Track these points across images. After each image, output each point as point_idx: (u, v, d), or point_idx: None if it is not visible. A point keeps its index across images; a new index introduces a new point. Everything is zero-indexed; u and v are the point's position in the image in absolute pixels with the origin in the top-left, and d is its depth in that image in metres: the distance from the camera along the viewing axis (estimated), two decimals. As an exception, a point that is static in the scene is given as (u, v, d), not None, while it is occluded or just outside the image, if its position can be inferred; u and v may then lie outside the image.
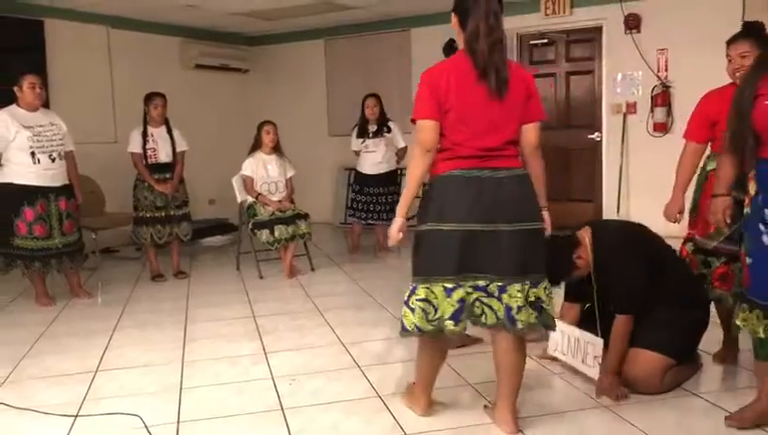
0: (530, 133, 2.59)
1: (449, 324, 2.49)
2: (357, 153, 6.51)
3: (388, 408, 2.93)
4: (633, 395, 2.91)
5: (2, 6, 6.14)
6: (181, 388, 3.26)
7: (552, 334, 3.14)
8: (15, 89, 4.68)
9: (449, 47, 3.87)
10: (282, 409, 2.97)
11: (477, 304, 2.50)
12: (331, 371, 3.43)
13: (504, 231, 2.45)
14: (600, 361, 2.96)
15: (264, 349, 3.82)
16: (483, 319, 2.51)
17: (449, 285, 2.48)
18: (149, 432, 2.75)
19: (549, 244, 2.66)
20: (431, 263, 2.53)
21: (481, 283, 2.48)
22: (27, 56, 6.23)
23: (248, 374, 3.43)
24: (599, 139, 7.06)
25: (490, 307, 2.49)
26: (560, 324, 2.99)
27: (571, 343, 3.15)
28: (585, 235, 3.08)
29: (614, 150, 6.88)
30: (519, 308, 2.46)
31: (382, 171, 6.38)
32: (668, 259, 3.08)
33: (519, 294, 2.46)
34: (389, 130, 6.36)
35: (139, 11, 7.03)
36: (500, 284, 2.47)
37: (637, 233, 3.14)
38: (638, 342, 2.94)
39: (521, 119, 2.56)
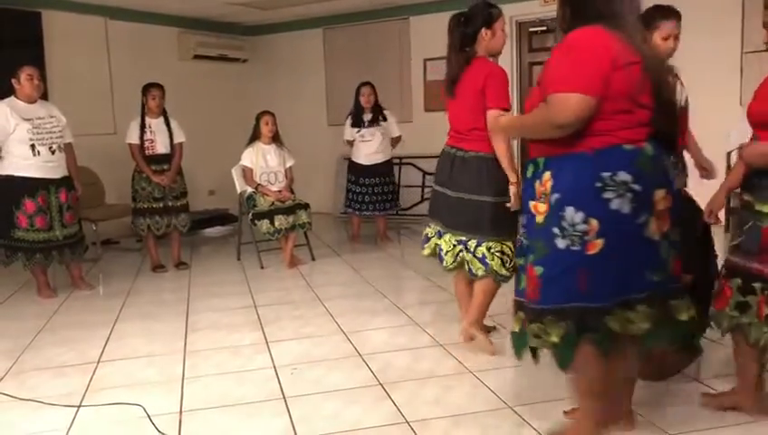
0: (487, 120, 3.17)
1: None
2: (350, 143, 6.47)
3: (389, 396, 2.94)
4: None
5: (-1, -2, 6.12)
6: (183, 378, 3.28)
7: None
8: (13, 81, 4.66)
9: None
10: (283, 398, 2.98)
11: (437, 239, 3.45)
12: (332, 359, 3.44)
13: (447, 195, 3.31)
14: None
15: (265, 338, 3.83)
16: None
17: (431, 224, 3.50)
18: (152, 422, 2.77)
19: None
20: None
21: (437, 227, 3.43)
22: (25, 48, 6.21)
23: (250, 364, 3.44)
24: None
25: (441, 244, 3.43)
26: None
27: None
28: None
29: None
30: (446, 252, 3.35)
31: (378, 161, 6.34)
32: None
33: (449, 242, 3.34)
34: (385, 119, 6.33)
35: (136, 1, 7.01)
36: (441, 230, 3.39)
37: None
38: None
39: (477, 109, 3.18)
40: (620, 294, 2.17)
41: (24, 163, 4.64)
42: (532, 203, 2.30)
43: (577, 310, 2.17)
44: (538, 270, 2.23)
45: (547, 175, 2.23)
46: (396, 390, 3.00)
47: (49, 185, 4.74)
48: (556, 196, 2.18)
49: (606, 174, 2.11)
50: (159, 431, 2.69)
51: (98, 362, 3.54)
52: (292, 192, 5.78)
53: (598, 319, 2.16)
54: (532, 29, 7.27)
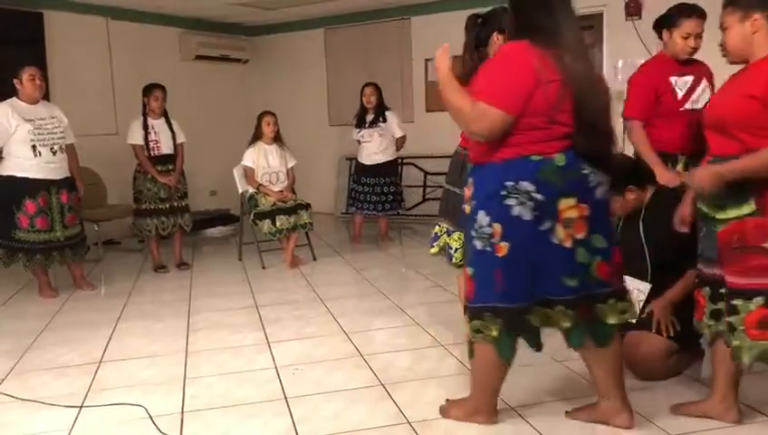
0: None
1: None
2: (359, 142, 6.52)
3: (391, 396, 2.94)
4: (634, 381, 2.91)
5: (0, -1, 6.13)
6: (185, 378, 3.28)
7: None
8: (15, 81, 4.67)
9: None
10: (285, 398, 2.98)
11: None
12: (333, 360, 3.44)
13: (458, 194, 3.08)
14: (642, 304, 3.00)
15: (266, 339, 3.83)
16: None
17: (441, 223, 3.39)
18: (154, 422, 2.77)
19: (626, 158, 3.27)
20: None
21: (446, 225, 3.32)
22: (27, 48, 6.22)
23: (251, 364, 3.44)
24: (600, 126, 7.03)
25: None
26: None
27: None
28: (649, 187, 3.13)
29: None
30: (456, 249, 3.20)
31: (379, 162, 6.36)
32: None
33: (459, 239, 3.16)
34: (384, 120, 6.34)
35: (138, 2, 7.01)
36: (450, 228, 3.27)
37: None
38: (646, 324, 2.95)
39: None
40: (536, 295, 2.33)
41: (26, 164, 4.65)
42: (464, 207, 2.51)
43: (503, 310, 2.35)
44: (470, 271, 2.44)
45: (470, 181, 2.45)
46: (397, 390, 3.00)
47: (50, 186, 4.75)
48: (474, 202, 2.40)
49: (509, 183, 2.28)
50: (161, 432, 2.69)
51: (99, 363, 3.55)
52: (293, 192, 5.79)
53: (521, 319, 2.35)
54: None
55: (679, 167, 3.36)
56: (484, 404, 2.60)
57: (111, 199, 6.70)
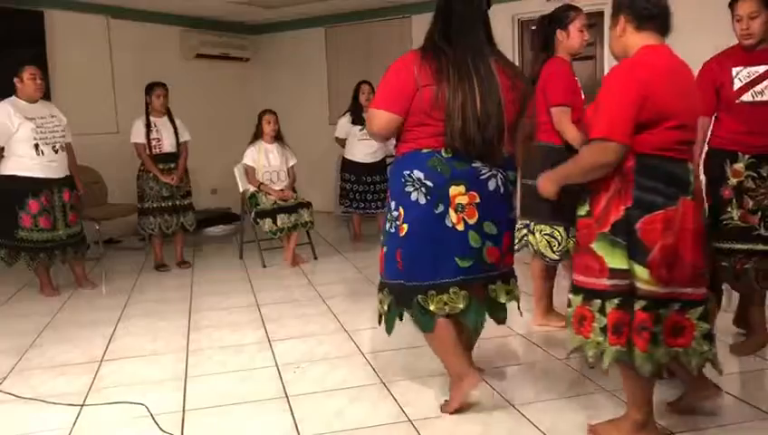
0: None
1: None
2: (340, 141, 6.50)
3: (392, 394, 2.94)
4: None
5: (1, -3, 6.13)
6: (186, 376, 3.28)
7: None
8: (16, 80, 4.67)
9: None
10: (286, 396, 2.99)
11: None
12: (334, 358, 3.45)
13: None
14: None
15: (268, 337, 3.84)
16: None
17: None
18: (155, 421, 2.77)
19: None
20: None
21: None
22: (27, 47, 6.21)
23: (253, 362, 3.45)
24: (601, 124, 7.02)
25: None
26: None
27: None
28: None
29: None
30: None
31: (378, 159, 6.37)
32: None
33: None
34: None
35: (138, 1, 7.01)
36: None
37: None
38: None
39: (541, 105, 3.52)
40: (433, 277, 2.60)
41: (29, 163, 4.65)
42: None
43: (397, 286, 2.68)
44: (384, 249, 2.75)
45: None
46: (398, 388, 3.00)
47: (52, 185, 4.75)
48: (389, 190, 2.75)
49: (406, 172, 2.62)
50: (162, 430, 2.70)
51: (101, 361, 3.55)
52: (294, 191, 5.79)
53: (410, 297, 2.64)
54: (534, 27, 7.25)
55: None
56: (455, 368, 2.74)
57: (112, 198, 6.70)
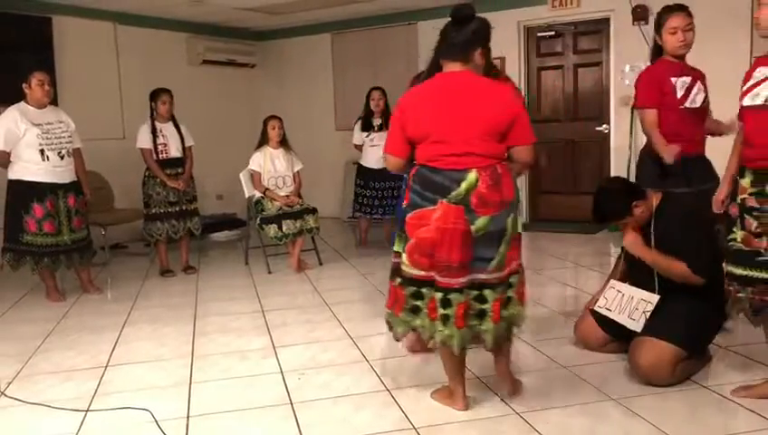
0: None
1: None
2: (358, 147, 6.52)
3: (396, 402, 2.93)
4: (643, 387, 2.91)
5: (9, 4, 6.16)
6: (191, 382, 3.28)
7: (606, 292, 3.32)
8: (24, 86, 4.69)
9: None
10: (291, 403, 2.98)
11: None
12: (339, 365, 3.44)
13: None
14: (648, 316, 3.03)
15: (272, 343, 3.83)
16: None
17: None
18: (160, 427, 2.77)
19: (614, 181, 3.58)
20: None
21: None
22: (35, 53, 6.25)
23: (257, 368, 3.44)
24: (606, 131, 7.03)
25: None
26: (617, 284, 3.28)
27: (623, 299, 3.19)
28: (654, 195, 3.15)
29: (622, 143, 6.84)
30: None
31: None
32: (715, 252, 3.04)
33: None
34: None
35: (145, 7, 7.04)
36: None
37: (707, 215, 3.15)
38: (654, 330, 2.95)
39: None
40: None
41: (34, 168, 4.67)
42: None
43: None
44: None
45: None
46: (403, 395, 2.99)
47: (57, 190, 4.76)
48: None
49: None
50: (167, 436, 2.70)
51: (106, 367, 3.55)
52: (299, 197, 5.80)
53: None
54: (540, 34, 7.26)
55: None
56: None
57: (118, 203, 6.72)
